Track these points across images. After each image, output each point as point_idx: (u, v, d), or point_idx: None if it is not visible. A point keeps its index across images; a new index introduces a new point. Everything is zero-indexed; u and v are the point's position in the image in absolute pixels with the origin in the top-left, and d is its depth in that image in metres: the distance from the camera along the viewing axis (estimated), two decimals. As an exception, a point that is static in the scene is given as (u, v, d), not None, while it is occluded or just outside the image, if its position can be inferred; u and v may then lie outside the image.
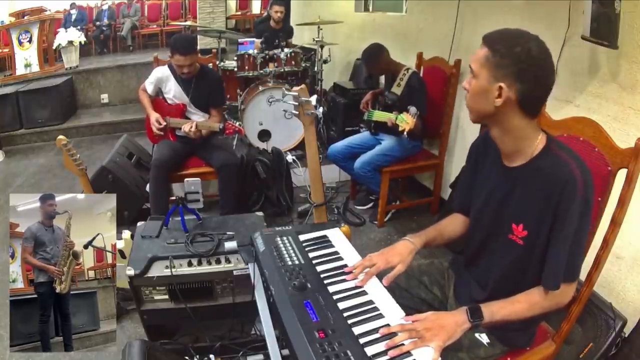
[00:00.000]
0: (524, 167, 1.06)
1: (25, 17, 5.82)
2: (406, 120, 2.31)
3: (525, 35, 0.98)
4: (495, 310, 1.03)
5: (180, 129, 2.54)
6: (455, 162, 2.89)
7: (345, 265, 1.15)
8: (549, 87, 0.99)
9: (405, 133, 2.36)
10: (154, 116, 2.56)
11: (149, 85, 2.62)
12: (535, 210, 1.03)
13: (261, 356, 1.58)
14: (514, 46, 0.96)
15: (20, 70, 5.40)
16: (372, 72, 2.88)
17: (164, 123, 2.56)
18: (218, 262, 1.61)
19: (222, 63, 3.92)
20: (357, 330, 0.93)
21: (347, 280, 1.09)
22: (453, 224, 1.33)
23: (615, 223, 1.14)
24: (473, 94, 1.04)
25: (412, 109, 2.38)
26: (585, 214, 0.99)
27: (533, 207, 1.03)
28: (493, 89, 0.98)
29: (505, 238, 1.10)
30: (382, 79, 3.30)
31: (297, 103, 2.14)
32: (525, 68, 0.95)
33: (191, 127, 2.48)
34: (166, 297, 1.60)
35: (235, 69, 3.78)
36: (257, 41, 3.98)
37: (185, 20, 7.45)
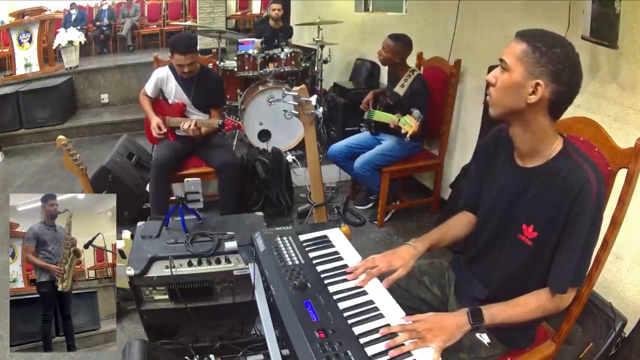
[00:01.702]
0: (539, 168, 1.06)
1: (25, 17, 5.82)
2: (409, 124, 2.30)
3: (562, 38, 0.99)
4: (496, 312, 1.03)
5: (180, 128, 2.54)
6: (455, 162, 2.89)
7: (346, 266, 1.15)
8: (577, 93, 1.00)
9: (408, 136, 2.35)
10: (155, 121, 2.56)
11: (150, 87, 2.62)
12: (548, 212, 1.03)
13: (261, 356, 1.58)
14: (554, 46, 0.96)
15: (20, 70, 5.40)
16: (385, 54, 2.72)
17: (165, 130, 2.55)
18: (218, 262, 1.60)
19: (222, 63, 3.93)
20: (357, 330, 0.93)
21: (348, 280, 1.09)
22: (457, 226, 1.32)
23: (615, 223, 1.14)
24: (503, 88, 1.01)
25: (416, 112, 2.36)
26: (597, 221, 1.00)
27: (546, 209, 1.03)
28: (528, 85, 0.97)
29: (514, 238, 1.10)
30: (384, 78, 3.30)
31: (297, 103, 2.14)
32: (562, 69, 0.96)
33: (190, 124, 2.48)
34: (166, 297, 1.60)
35: (235, 69, 3.79)
36: (257, 41, 3.98)
37: (185, 20, 7.45)
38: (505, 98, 1.01)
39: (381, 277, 1.11)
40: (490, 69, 2.47)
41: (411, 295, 1.31)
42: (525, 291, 1.07)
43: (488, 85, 1.06)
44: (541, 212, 1.04)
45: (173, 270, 1.56)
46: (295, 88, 2.17)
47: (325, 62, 3.96)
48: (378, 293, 1.06)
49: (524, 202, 1.08)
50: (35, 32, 5.38)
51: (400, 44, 2.66)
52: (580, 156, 1.03)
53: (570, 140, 1.08)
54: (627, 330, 1.60)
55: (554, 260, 1.03)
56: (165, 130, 2.56)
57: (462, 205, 1.34)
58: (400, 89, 2.65)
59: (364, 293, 1.05)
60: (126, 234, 1.90)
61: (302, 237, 1.25)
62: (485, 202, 1.21)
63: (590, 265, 1.08)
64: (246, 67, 3.74)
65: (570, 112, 1.26)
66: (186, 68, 2.46)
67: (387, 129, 2.70)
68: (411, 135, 2.34)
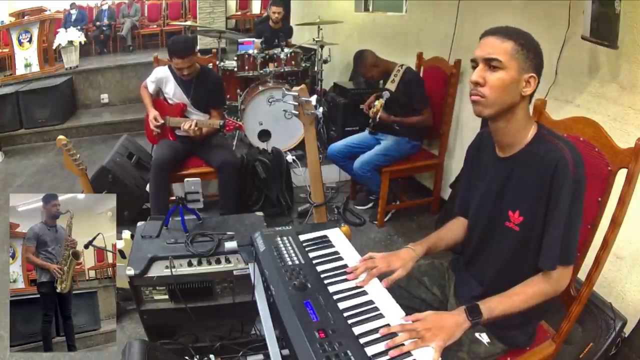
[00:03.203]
0: (517, 154, 1.10)
1: (25, 17, 5.83)
2: (376, 105, 2.35)
3: (527, 32, 1.06)
4: (494, 305, 1.03)
5: (180, 128, 2.54)
6: (455, 162, 2.89)
7: (346, 266, 1.15)
8: None
9: (376, 118, 2.42)
10: (152, 113, 2.57)
11: (150, 83, 2.63)
12: (530, 194, 1.06)
13: (261, 356, 1.58)
14: (531, 42, 1.04)
15: (20, 70, 5.40)
16: (367, 76, 2.88)
17: (161, 121, 2.55)
18: (218, 262, 1.61)
19: (222, 63, 3.93)
20: (357, 330, 0.93)
21: (348, 280, 1.09)
22: (454, 229, 1.33)
23: (615, 223, 1.14)
24: (501, 86, 1.02)
25: (385, 93, 2.48)
26: (578, 194, 1.02)
27: (528, 191, 1.06)
28: (522, 80, 1.03)
29: (502, 227, 1.12)
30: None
31: (297, 103, 2.14)
32: (541, 61, 1.05)
33: (191, 125, 2.48)
34: (166, 297, 1.60)
35: (235, 69, 3.79)
36: (257, 41, 3.98)
37: (185, 20, 7.45)
38: (503, 95, 1.04)
39: (381, 277, 1.11)
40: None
41: (411, 295, 1.32)
42: (518, 281, 1.08)
43: (475, 84, 1.05)
44: (524, 195, 1.07)
45: (173, 270, 1.56)
46: (295, 88, 2.17)
47: (325, 62, 3.96)
48: (378, 293, 1.06)
49: (508, 190, 1.11)
50: (35, 32, 5.38)
51: (357, 62, 2.78)
52: (554, 137, 1.07)
53: (543, 124, 1.14)
54: (627, 330, 1.60)
55: (543, 241, 1.05)
56: (161, 122, 2.55)
57: (455, 211, 1.36)
58: (391, 85, 2.68)
59: (364, 293, 1.05)
60: (126, 234, 1.90)
61: (302, 237, 1.25)
62: (475, 201, 1.23)
63: (581, 250, 1.10)
64: (246, 67, 3.74)
65: (570, 112, 1.27)
66: (185, 71, 2.46)
67: (386, 128, 2.70)
68: (374, 118, 2.45)
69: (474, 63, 1.06)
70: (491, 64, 1.02)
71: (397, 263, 1.15)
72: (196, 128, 2.49)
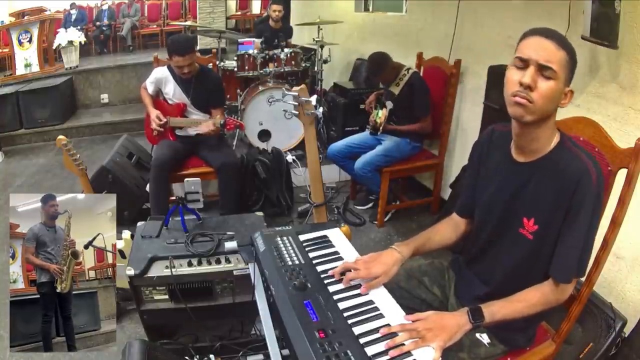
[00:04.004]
0: (539, 161, 1.08)
1: (25, 17, 5.83)
2: (379, 116, 2.33)
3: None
4: (496, 310, 1.03)
5: (180, 128, 2.54)
6: (455, 162, 2.89)
7: (346, 265, 1.15)
8: None
9: (380, 129, 2.42)
10: (154, 113, 2.56)
11: (150, 84, 2.63)
12: (549, 203, 1.04)
13: (261, 356, 1.58)
14: (575, 54, 1.00)
15: (20, 70, 5.40)
16: (384, 80, 2.79)
17: (165, 119, 2.55)
18: (218, 262, 1.61)
19: (222, 63, 3.93)
20: (357, 330, 0.93)
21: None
22: (443, 231, 1.31)
23: (615, 223, 1.14)
24: (551, 96, 0.98)
25: (388, 103, 2.43)
26: (597, 210, 1.01)
27: (546, 200, 1.04)
28: (564, 92, 1.01)
29: (515, 232, 1.11)
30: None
31: (297, 103, 2.14)
32: (573, 74, 1.02)
33: (209, 126, 2.48)
34: (166, 297, 1.60)
35: (235, 69, 3.79)
36: (257, 41, 3.98)
37: (185, 20, 7.47)
38: (549, 105, 1.00)
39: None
40: (491, 68, 2.45)
41: (411, 295, 1.31)
42: (525, 286, 1.07)
43: (526, 87, 0.97)
44: (542, 204, 1.05)
45: (173, 270, 1.56)
46: (295, 88, 2.17)
47: (325, 62, 3.96)
48: (378, 293, 1.06)
49: (524, 196, 1.09)
50: (35, 32, 5.38)
51: (380, 65, 2.69)
52: (577, 147, 1.05)
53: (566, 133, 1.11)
54: (627, 330, 1.60)
55: (557, 251, 1.04)
56: (164, 120, 2.55)
57: (457, 210, 1.33)
58: (395, 88, 2.67)
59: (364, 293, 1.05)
60: (126, 234, 1.90)
61: (302, 237, 1.24)
62: (483, 201, 1.21)
63: (591, 256, 1.08)
64: (246, 67, 3.74)
65: (570, 112, 1.26)
66: (186, 69, 2.46)
67: (386, 129, 2.71)
68: (377, 128, 2.44)
69: (523, 63, 0.98)
70: (544, 72, 0.96)
71: (378, 269, 1.09)
72: (213, 128, 2.49)
